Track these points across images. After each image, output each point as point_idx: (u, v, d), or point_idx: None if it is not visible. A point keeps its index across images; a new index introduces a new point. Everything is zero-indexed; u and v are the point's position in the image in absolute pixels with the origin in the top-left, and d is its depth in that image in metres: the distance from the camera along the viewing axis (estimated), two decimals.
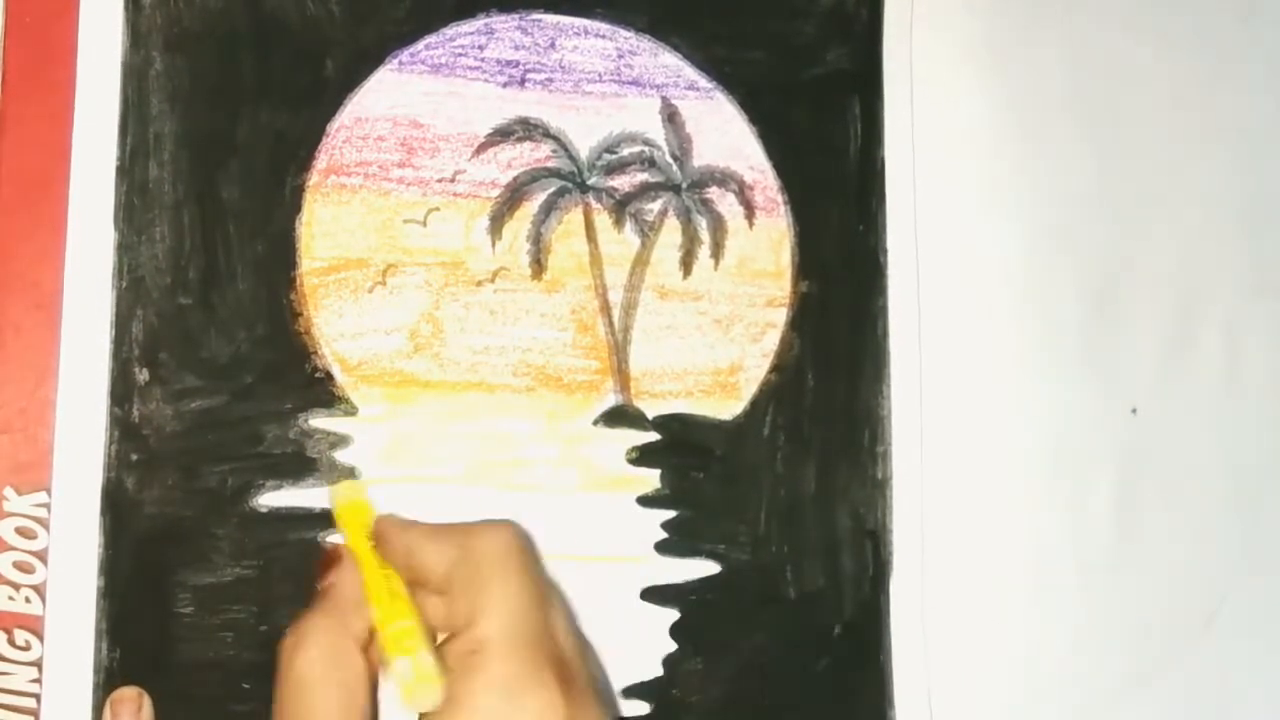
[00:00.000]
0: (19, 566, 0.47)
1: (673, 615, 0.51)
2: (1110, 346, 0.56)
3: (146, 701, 0.46)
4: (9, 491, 0.47)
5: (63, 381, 0.47)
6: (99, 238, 0.48)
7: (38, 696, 0.46)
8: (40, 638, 0.46)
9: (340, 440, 0.49)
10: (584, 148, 0.53)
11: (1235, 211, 0.59)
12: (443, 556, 0.42)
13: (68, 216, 0.48)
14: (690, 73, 0.54)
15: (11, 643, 0.46)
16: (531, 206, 0.52)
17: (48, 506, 0.47)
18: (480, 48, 0.52)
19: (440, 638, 0.42)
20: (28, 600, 0.46)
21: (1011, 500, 0.55)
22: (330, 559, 0.44)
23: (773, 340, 0.54)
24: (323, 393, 0.49)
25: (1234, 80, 0.59)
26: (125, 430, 0.48)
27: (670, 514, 0.52)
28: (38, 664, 0.46)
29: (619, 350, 0.52)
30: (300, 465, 0.49)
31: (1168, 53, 0.58)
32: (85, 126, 0.48)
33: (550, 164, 0.53)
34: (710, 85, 0.54)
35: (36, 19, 0.48)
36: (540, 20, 0.53)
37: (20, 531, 0.47)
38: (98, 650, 0.47)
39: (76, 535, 0.47)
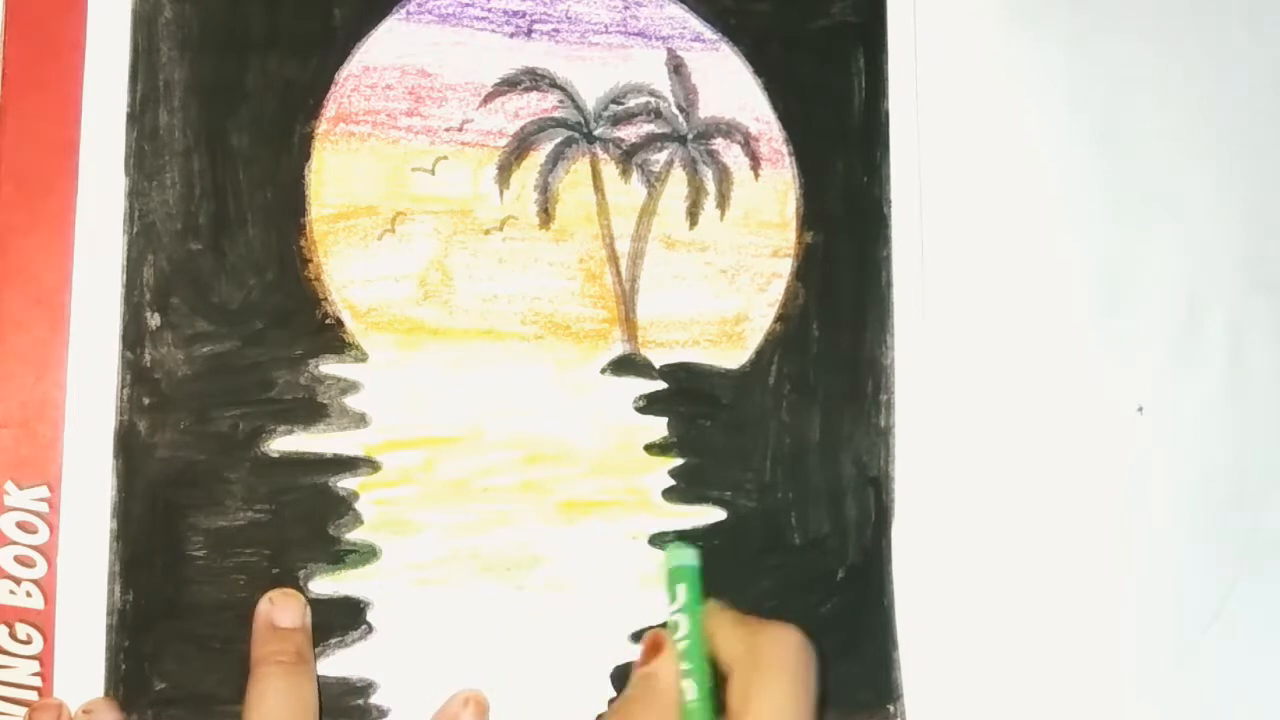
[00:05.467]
0: (20, 561, 0.47)
1: None
2: (1118, 329, 0.57)
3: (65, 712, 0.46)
4: (10, 486, 0.47)
5: (75, 325, 0.48)
6: (110, 183, 0.48)
7: (39, 690, 0.46)
8: (41, 632, 0.46)
9: (350, 386, 0.50)
10: (590, 98, 0.53)
11: (1239, 208, 0.59)
12: (733, 645, 0.45)
13: (78, 169, 0.48)
14: (696, 24, 0.54)
15: (13, 636, 0.46)
16: (539, 156, 0.52)
17: (49, 501, 0.47)
18: None
19: None
20: (29, 595, 0.47)
21: (1011, 448, 0.55)
22: (654, 645, 0.46)
23: (778, 290, 0.54)
24: (333, 339, 0.50)
25: (1236, 78, 0.60)
26: (137, 374, 0.48)
27: (677, 461, 0.52)
28: (39, 658, 0.46)
29: (626, 299, 0.53)
30: (311, 411, 0.49)
31: (1168, 50, 0.59)
32: (96, 73, 0.48)
33: (557, 114, 0.53)
34: (716, 37, 0.54)
35: None
36: None
37: (21, 526, 0.47)
38: (111, 593, 0.47)
39: (89, 479, 0.47)
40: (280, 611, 0.47)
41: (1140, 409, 0.57)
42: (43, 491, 0.47)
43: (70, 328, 0.48)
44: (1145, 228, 0.58)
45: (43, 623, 0.46)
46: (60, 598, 0.47)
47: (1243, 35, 0.60)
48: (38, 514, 0.47)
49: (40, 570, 0.47)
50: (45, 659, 0.46)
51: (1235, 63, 0.60)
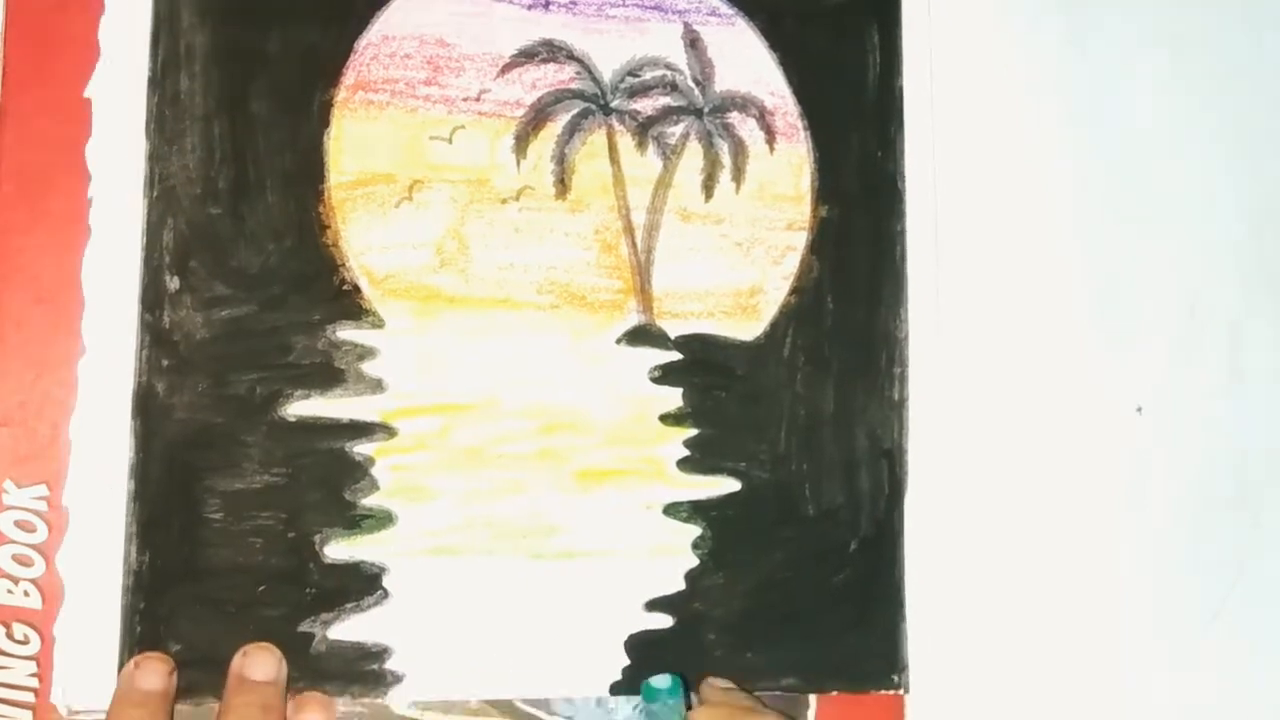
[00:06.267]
0: (18, 560, 0.47)
1: (695, 531, 0.52)
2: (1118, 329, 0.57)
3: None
4: (8, 484, 0.47)
5: (90, 289, 0.48)
6: (130, 147, 0.48)
7: (36, 690, 0.46)
8: (39, 632, 0.46)
9: (367, 352, 0.50)
10: (607, 70, 0.53)
11: (1239, 210, 0.59)
12: None
13: (83, 167, 0.48)
14: None
15: (10, 636, 0.46)
16: (555, 127, 0.53)
17: (47, 499, 0.47)
18: None
19: None
20: (26, 594, 0.47)
21: (1022, 424, 0.56)
22: None
23: (793, 263, 0.54)
24: (350, 305, 0.50)
25: (1236, 79, 0.60)
26: (156, 336, 0.48)
27: (692, 432, 0.53)
28: (36, 658, 0.46)
29: (642, 270, 0.53)
30: (328, 376, 0.49)
31: (1172, 41, 0.59)
32: (116, 38, 0.49)
33: (574, 85, 0.53)
34: (732, 12, 0.55)
35: None
36: None
37: (20, 525, 0.47)
38: (127, 553, 0.47)
39: (107, 440, 0.47)
40: (253, 665, 0.47)
41: (1140, 409, 0.57)
42: (41, 490, 0.47)
43: (75, 324, 0.48)
44: (1147, 227, 0.58)
45: (40, 623, 0.46)
46: (68, 583, 0.47)
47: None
48: (36, 513, 0.47)
49: (38, 569, 0.47)
50: (43, 659, 0.46)
51: (1239, 57, 0.60)
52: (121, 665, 0.47)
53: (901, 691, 0.53)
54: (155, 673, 0.46)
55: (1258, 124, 0.60)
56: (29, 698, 0.46)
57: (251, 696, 0.46)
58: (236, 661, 0.47)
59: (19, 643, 0.46)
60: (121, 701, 0.45)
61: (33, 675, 0.46)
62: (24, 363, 0.47)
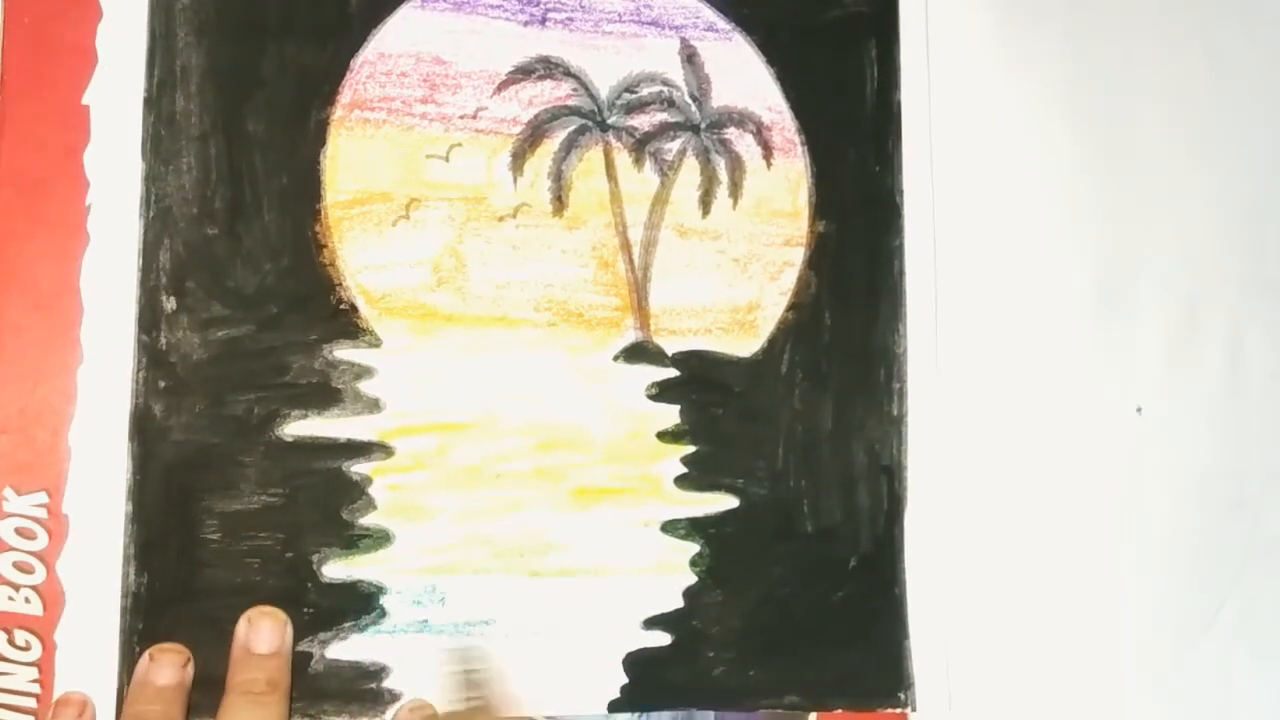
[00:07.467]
0: (19, 567, 0.47)
1: (693, 548, 0.52)
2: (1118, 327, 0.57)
3: (90, 708, 0.46)
4: (8, 492, 0.47)
5: (89, 296, 0.48)
6: (126, 167, 0.48)
7: (38, 697, 0.46)
8: (40, 638, 0.46)
9: (365, 371, 0.50)
10: (604, 87, 0.53)
11: (1238, 210, 0.59)
12: None
13: (81, 172, 0.48)
14: (709, 14, 0.54)
15: (12, 643, 0.46)
16: (552, 144, 0.53)
17: (47, 507, 0.47)
18: None
19: None
20: (27, 601, 0.47)
21: (1021, 439, 0.56)
22: None
23: (790, 279, 0.54)
24: (347, 324, 0.50)
25: (1235, 79, 0.60)
26: (153, 357, 0.48)
27: (690, 449, 0.52)
28: (38, 664, 0.46)
29: (639, 287, 0.53)
30: (325, 396, 0.49)
31: (1167, 52, 0.59)
32: (112, 58, 0.49)
33: (571, 102, 0.53)
34: (729, 27, 0.55)
35: None
36: None
37: (20, 532, 0.47)
38: (125, 575, 0.47)
39: (106, 447, 0.47)
40: (257, 635, 0.47)
41: (1140, 409, 0.57)
42: (41, 498, 0.47)
43: (74, 331, 0.47)
44: (1147, 229, 0.58)
45: (41, 629, 0.46)
46: (69, 591, 0.47)
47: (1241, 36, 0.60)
48: (36, 520, 0.47)
49: (39, 576, 0.47)
50: (44, 665, 0.46)
51: (1234, 62, 0.60)
52: (121, 677, 0.47)
53: (908, 710, 0.53)
54: (170, 665, 0.46)
55: (1258, 124, 0.60)
56: (30, 703, 0.46)
57: (258, 673, 0.46)
58: (241, 629, 0.47)
59: (20, 649, 0.46)
60: (136, 697, 0.45)
61: (34, 681, 0.46)
62: (23, 370, 0.47)
